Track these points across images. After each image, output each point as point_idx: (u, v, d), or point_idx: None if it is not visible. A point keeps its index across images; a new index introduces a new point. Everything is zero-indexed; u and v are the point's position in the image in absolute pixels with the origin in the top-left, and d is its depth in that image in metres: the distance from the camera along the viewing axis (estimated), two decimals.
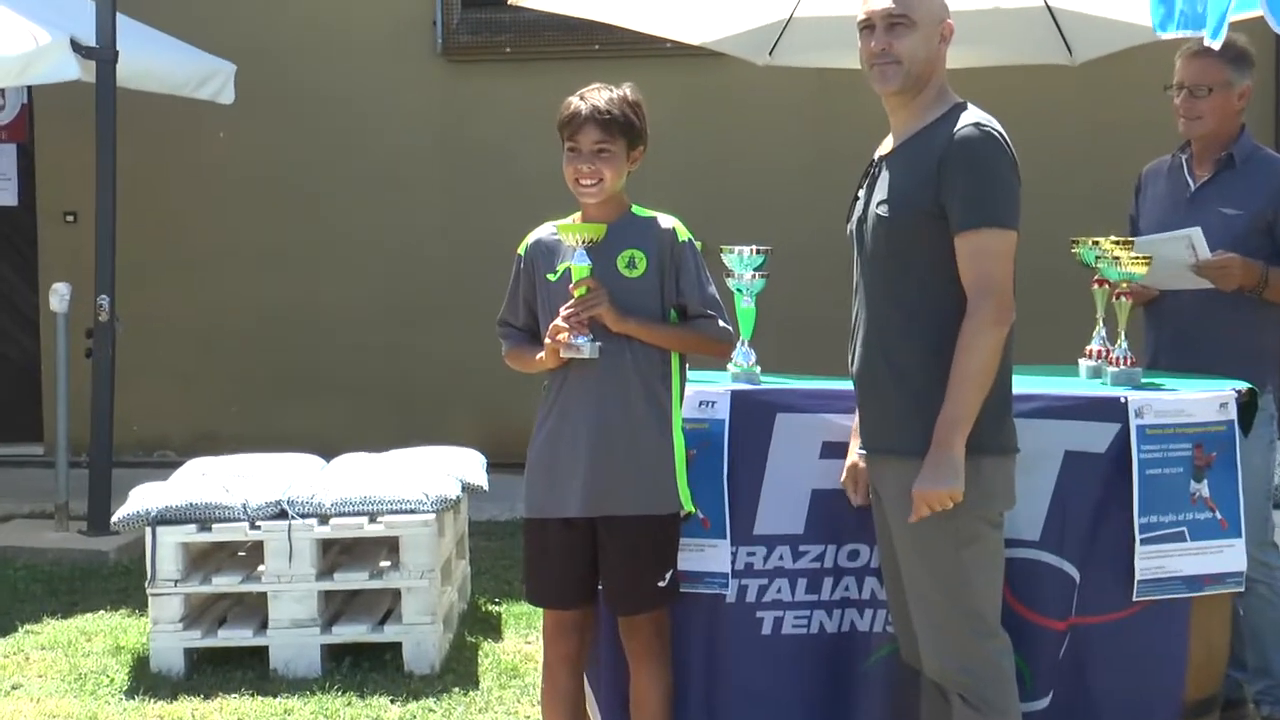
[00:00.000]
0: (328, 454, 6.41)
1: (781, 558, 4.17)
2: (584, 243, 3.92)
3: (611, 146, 3.96)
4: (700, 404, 4.14)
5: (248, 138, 9.49)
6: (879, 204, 3.68)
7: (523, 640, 5.85)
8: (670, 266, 3.99)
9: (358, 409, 9.45)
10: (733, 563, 4.13)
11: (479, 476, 6.09)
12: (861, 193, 3.82)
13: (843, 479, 4.04)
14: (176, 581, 5.46)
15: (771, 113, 9.22)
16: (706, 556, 4.12)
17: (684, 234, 4.02)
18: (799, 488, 4.16)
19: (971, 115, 3.63)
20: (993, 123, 3.63)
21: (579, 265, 3.92)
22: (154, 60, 8.26)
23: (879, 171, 3.75)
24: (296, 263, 9.59)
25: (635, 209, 4.07)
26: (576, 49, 9.01)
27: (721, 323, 4.02)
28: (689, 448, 4.03)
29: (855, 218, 3.81)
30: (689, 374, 4.11)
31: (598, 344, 3.91)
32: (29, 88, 9.38)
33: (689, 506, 4.01)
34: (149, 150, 9.24)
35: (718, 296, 4.05)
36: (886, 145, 3.79)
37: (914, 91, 3.69)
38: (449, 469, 5.94)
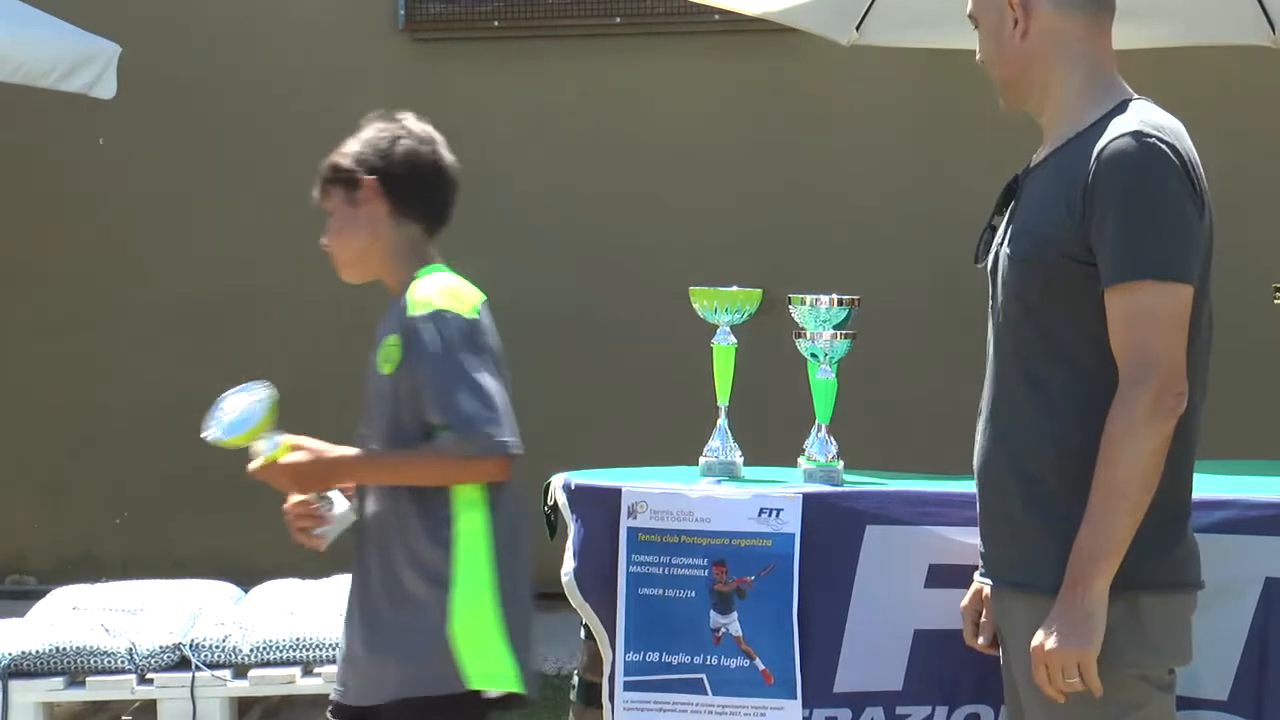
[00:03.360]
0: (246, 582, 6.43)
1: None
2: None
3: (330, 204, 4.16)
4: (761, 512, 4.15)
5: (138, 147, 9.55)
6: (1009, 241, 3.63)
7: None
8: (411, 356, 4.03)
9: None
10: None
11: None
12: (999, 220, 3.75)
13: (964, 604, 3.95)
14: None
15: (858, 111, 9.25)
16: None
17: (422, 304, 4.00)
18: (897, 627, 4.17)
19: (1130, 119, 3.52)
20: (1161, 130, 3.50)
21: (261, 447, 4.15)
22: (6, 38, 8.33)
23: (1021, 192, 3.70)
24: (206, 322, 9.61)
25: (424, 272, 4.15)
26: (590, 24, 9.05)
27: (463, 437, 3.93)
28: (741, 574, 4.05)
29: (992, 254, 3.74)
30: (747, 471, 4.12)
31: (346, 507, 4.11)
32: None
33: (497, 684, 3.98)
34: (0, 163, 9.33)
35: (477, 395, 3.95)
36: (1039, 154, 3.73)
37: (1027, 99, 3.67)
38: None
